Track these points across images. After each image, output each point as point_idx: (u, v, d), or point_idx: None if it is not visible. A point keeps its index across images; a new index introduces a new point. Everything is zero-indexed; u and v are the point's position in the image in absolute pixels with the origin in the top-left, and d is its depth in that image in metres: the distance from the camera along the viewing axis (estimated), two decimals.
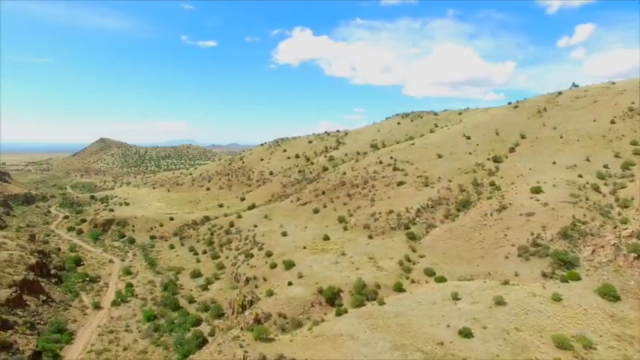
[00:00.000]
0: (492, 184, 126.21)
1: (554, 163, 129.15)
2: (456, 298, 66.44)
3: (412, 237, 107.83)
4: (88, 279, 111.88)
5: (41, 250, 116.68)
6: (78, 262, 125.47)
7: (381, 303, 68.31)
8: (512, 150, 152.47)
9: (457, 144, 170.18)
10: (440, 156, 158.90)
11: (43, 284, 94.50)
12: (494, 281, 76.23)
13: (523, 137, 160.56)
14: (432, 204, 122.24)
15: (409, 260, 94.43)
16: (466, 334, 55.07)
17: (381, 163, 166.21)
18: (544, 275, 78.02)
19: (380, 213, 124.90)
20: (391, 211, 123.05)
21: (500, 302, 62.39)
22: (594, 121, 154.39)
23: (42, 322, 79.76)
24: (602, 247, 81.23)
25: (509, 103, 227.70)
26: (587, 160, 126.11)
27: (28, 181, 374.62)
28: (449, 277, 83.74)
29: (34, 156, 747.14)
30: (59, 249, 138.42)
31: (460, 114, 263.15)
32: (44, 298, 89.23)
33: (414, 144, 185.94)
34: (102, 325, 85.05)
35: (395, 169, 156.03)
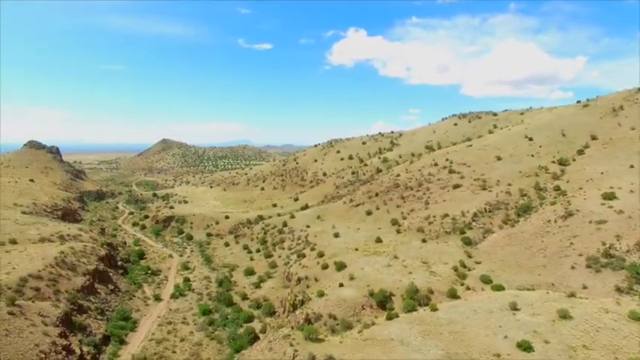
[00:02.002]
0: (557, 188, 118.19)
1: (631, 166, 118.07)
2: (514, 308, 62.56)
3: (468, 242, 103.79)
4: (149, 272, 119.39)
5: (110, 242, 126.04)
6: (141, 255, 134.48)
7: (434, 309, 66.06)
8: (580, 152, 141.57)
9: (518, 145, 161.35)
10: (499, 158, 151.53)
11: (111, 274, 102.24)
12: (558, 293, 70.84)
13: (594, 138, 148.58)
14: (489, 208, 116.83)
15: (464, 266, 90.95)
16: (525, 347, 51.59)
17: (436, 165, 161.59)
18: (618, 290, 71.57)
19: (434, 216, 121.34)
20: (446, 215, 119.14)
21: (565, 316, 57.79)
22: None
23: (110, 310, 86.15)
24: None
25: (579, 102, 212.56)
26: None
27: (100, 179, 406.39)
28: (507, 286, 79.34)
29: (105, 155, 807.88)
30: (125, 242, 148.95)
31: (522, 114, 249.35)
32: (112, 287, 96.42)
33: (471, 145, 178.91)
34: (161, 316, 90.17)
35: (451, 171, 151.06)
